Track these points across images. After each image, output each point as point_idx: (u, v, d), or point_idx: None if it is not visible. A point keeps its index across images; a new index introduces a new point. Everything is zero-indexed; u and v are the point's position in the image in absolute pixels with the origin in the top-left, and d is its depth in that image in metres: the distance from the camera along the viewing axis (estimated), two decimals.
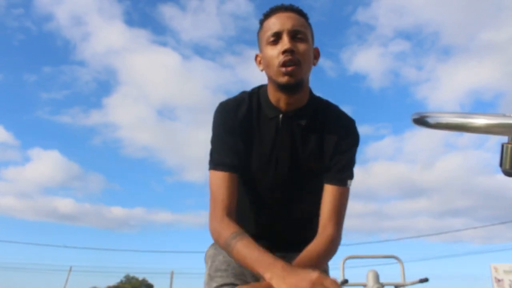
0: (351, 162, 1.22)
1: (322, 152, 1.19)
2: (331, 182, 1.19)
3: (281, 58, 1.08)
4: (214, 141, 1.19)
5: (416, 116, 0.54)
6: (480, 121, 0.48)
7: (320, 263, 1.11)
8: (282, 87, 1.12)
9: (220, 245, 1.08)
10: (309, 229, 1.29)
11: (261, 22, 1.18)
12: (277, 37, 1.11)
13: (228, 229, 1.04)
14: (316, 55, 1.20)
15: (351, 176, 1.21)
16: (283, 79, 1.09)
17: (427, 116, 0.52)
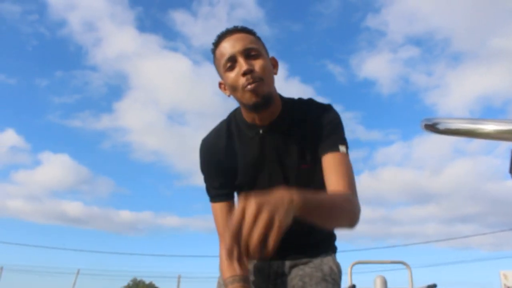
0: (336, 129, 1.19)
1: (311, 148, 1.19)
2: (323, 152, 1.16)
3: (243, 80, 1.10)
4: (205, 178, 1.30)
5: (426, 122, 0.54)
6: (490, 127, 0.48)
7: (337, 201, 1.00)
8: (252, 107, 1.14)
9: (223, 279, 1.20)
10: (314, 234, 1.31)
11: (213, 52, 1.20)
12: (232, 61, 1.13)
13: (229, 271, 1.16)
14: (275, 64, 1.22)
15: (341, 141, 1.17)
16: (251, 100, 1.11)
17: (437, 122, 0.53)
